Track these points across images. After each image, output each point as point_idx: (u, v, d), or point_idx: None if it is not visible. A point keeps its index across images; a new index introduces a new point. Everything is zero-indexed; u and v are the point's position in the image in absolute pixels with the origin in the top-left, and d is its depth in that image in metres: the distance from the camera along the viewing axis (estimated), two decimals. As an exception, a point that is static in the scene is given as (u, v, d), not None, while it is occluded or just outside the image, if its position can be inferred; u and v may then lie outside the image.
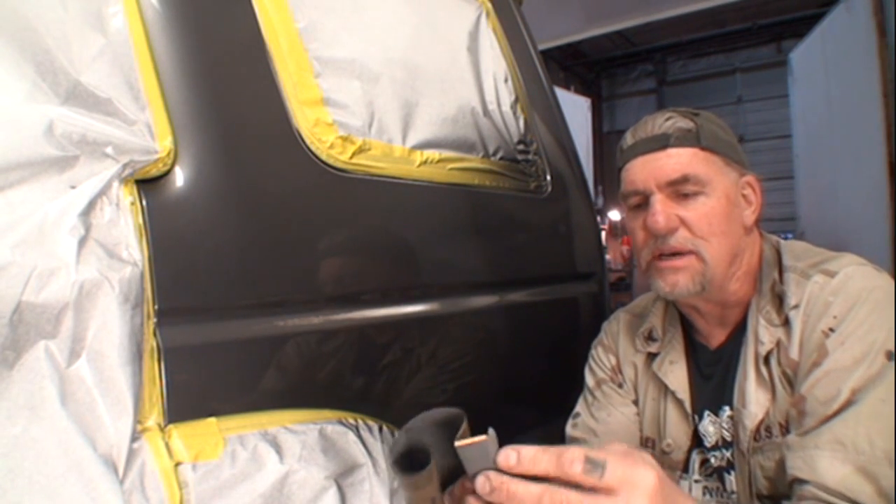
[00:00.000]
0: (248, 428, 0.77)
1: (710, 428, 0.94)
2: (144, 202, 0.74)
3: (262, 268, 0.86)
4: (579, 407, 1.09)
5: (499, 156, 1.33)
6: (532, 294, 1.41)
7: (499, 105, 1.38)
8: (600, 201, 9.76)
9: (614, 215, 9.99)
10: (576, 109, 6.26)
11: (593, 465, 0.49)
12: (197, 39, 0.86)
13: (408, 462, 0.54)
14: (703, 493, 0.95)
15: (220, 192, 0.83)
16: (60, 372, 0.62)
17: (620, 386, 1.05)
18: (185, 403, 0.73)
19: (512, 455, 0.50)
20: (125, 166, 0.71)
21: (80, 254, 0.65)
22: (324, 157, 0.95)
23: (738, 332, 0.92)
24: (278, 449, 0.76)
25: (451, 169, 1.19)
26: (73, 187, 0.67)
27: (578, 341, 1.44)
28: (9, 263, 0.60)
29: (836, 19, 4.38)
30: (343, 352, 0.95)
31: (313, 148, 0.94)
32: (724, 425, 0.92)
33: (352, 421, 0.89)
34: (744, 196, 0.90)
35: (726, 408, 0.92)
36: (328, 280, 0.96)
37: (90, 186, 0.68)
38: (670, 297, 0.92)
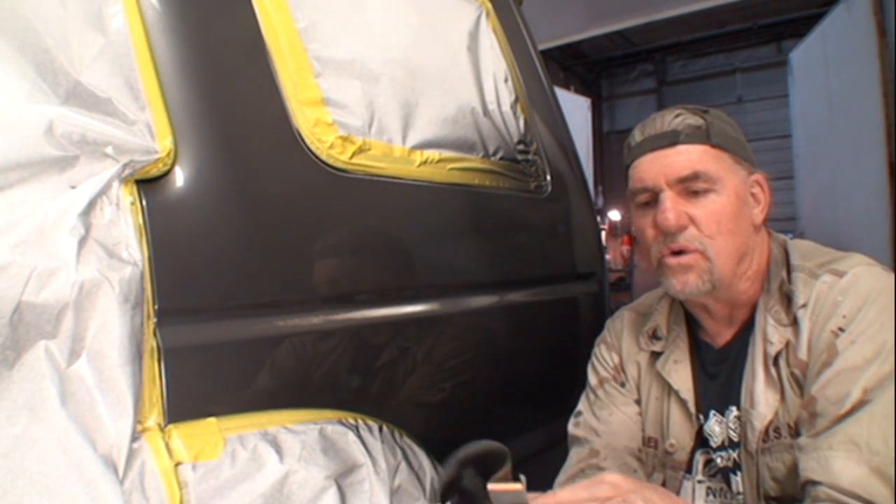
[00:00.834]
0: (247, 428, 0.77)
1: (716, 428, 0.93)
2: (144, 202, 0.74)
3: (262, 268, 0.86)
4: (581, 405, 1.08)
5: (499, 156, 1.33)
6: (532, 294, 1.41)
7: (499, 105, 1.38)
8: (600, 201, 9.76)
9: (614, 215, 9.98)
10: (576, 109, 6.24)
11: None
12: (197, 39, 0.86)
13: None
14: (708, 494, 0.94)
15: (219, 192, 0.83)
16: (60, 372, 0.62)
17: (623, 385, 1.04)
18: (184, 403, 0.73)
19: None
20: (125, 166, 0.71)
21: (80, 254, 0.65)
22: (324, 157, 0.95)
23: (745, 332, 0.91)
24: (278, 449, 0.76)
25: (451, 169, 1.19)
26: (73, 187, 0.67)
27: (578, 341, 1.44)
28: (9, 263, 0.60)
29: (836, 19, 4.38)
30: (343, 352, 0.95)
31: (313, 148, 0.94)
32: (731, 425, 0.91)
33: (352, 421, 0.89)
34: (753, 194, 0.90)
35: (733, 408, 0.91)
36: (329, 280, 0.96)
37: (90, 186, 0.68)
38: (681, 297, 0.91)
